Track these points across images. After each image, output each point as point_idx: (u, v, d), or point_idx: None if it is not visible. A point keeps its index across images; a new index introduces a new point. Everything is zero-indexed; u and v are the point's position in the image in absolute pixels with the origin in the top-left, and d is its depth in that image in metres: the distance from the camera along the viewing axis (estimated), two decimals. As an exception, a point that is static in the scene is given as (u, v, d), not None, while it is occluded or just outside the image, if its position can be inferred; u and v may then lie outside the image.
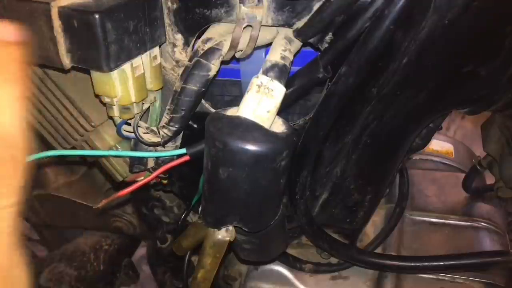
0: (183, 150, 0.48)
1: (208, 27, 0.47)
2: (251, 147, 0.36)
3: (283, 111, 0.43)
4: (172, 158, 0.53)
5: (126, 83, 0.44)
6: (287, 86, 0.41)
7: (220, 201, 0.41)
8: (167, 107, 0.48)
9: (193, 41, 0.48)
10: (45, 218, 0.95)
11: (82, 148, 0.57)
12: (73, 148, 0.58)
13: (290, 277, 0.70)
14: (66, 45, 0.41)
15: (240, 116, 0.38)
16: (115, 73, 0.43)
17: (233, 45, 0.43)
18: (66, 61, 0.41)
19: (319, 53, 0.46)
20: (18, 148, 0.22)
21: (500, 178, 0.73)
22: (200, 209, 0.44)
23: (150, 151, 0.54)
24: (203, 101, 0.54)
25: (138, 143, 0.53)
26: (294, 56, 0.44)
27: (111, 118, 0.49)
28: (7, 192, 0.21)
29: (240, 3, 0.42)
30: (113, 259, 1.02)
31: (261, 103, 0.38)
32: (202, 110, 0.53)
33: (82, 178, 0.92)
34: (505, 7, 0.42)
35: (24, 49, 0.24)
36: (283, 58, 0.41)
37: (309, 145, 0.49)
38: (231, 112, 0.39)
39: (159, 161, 0.56)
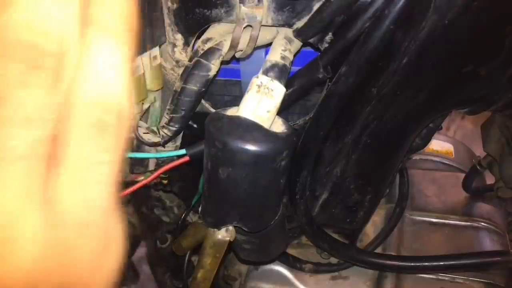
0: (183, 151, 0.48)
1: (208, 27, 0.47)
2: (251, 147, 0.36)
3: (283, 111, 0.43)
4: (172, 159, 0.53)
5: (126, 83, 0.44)
6: (287, 86, 0.41)
7: (220, 201, 0.41)
8: (167, 107, 0.48)
9: (193, 41, 0.48)
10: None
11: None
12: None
13: (290, 277, 0.70)
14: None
15: (240, 116, 0.38)
16: (115, 73, 0.42)
17: (233, 45, 0.43)
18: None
19: (319, 53, 0.46)
20: (125, 116, 0.22)
21: (500, 178, 0.73)
22: (200, 209, 0.44)
23: (149, 152, 0.54)
24: (203, 101, 0.54)
25: (140, 145, 0.53)
26: (294, 56, 0.44)
27: (111, 118, 0.49)
28: (112, 150, 0.21)
29: (240, 3, 0.42)
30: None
31: (261, 103, 0.38)
32: (202, 110, 0.53)
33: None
34: (505, 7, 0.42)
35: (135, 8, 0.23)
36: (283, 58, 0.41)
37: (309, 145, 0.49)
38: (231, 112, 0.39)
39: (159, 161, 0.56)
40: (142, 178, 0.58)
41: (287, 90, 0.41)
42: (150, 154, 0.53)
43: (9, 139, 0.17)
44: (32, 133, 0.17)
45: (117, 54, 0.22)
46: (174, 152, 0.49)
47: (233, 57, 0.46)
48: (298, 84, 0.46)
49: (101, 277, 0.21)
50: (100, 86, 0.21)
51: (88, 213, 0.20)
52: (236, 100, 0.51)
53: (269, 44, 0.45)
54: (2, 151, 0.16)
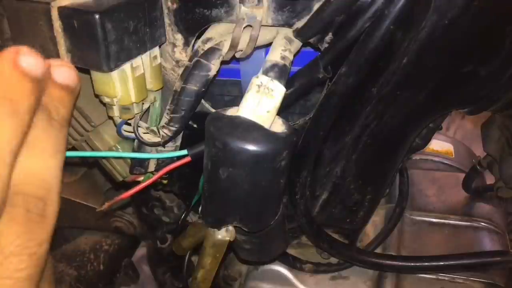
0: (184, 152, 0.48)
1: (208, 27, 0.47)
2: (251, 147, 0.36)
3: (283, 111, 0.43)
4: (172, 159, 0.53)
5: (126, 83, 0.44)
6: (287, 86, 0.41)
7: (220, 201, 0.41)
8: (167, 107, 0.48)
9: (193, 41, 0.48)
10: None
11: (82, 148, 0.57)
12: (73, 148, 0.58)
13: (290, 277, 0.70)
14: (66, 45, 0.41)
15: (240, 116, 0.38)
16: (115, 73, 0.43)
17: (233, 45, 0.43)
18: (66, 61, 0.41)
19: (319, 53, 0.46)
20: (50, 200, 0.23)
21: (500, 178, 0.73)
22: (200, 209, 0.44)
23: (151, 152, 0.54)
24: (203, 101, 0.54)
25: (141, 146, 0.53)
26: (294, 56, 0.44)
27: (111, 118, 0.49)
28: (32, 245, 0.22)
29: (240, 3, 0.42)
30: (113, 259, 1.02)
31: (261, 103, 0.38)
32: (202, 110, 0.53)
33: (82, 178, 0.92)
34: (505, 7, 0.42)
35: (75, 94, 0.25)
36: (283, 58, 0.41)
37: (309, 145, 0.49)
38: (231, 112, 0.39)
39: (159, 161, 0.56)
40: (142, 178, 0.58)
41: (287, 90, 0.41)
42: (151, 155, 0.53)
43: None
44: None
45: (51, 136, 0.23)
46: (176, 152, 0.49)
47: (233, 57, 0.46)
48: (298, 84, 0.46)
49: None
50: (30, 176, 0.22)
51: None
52: (236, 100, 0.51)
53: (269, 44, 0.45)
54: None
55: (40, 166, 0.24)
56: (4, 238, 0.21)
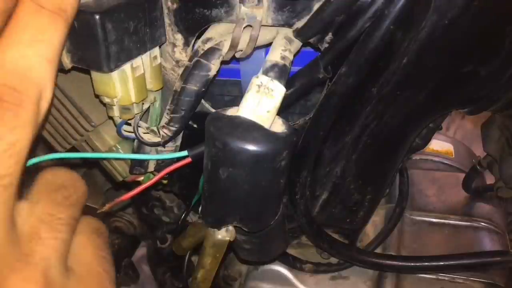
0: (185, 153, 0.48)
1: (208, 27, 0.47)
2: (251, 147, 0.36)
3: (283, 111, 0.43)
4: (173, 160, 0.53)
5: (126, 83, 0.44)
6: (287, 86, 0.41)
7: (220, 201, 0.41)
8: (167, 107, 0.48)
9: (193, 41, 0.48)
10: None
11: (82, 147, 0.57)
12: (73, 148, 0.58)
13: (290, 277, 0.70)
14: (66, 45, 0.41)
15: (240, 116, 0.38)
16: (115, 74, 0.42)
17: (233, 45, 0.43)
18: (66, 61, 0.41)
19: (320, 54, 0.46)
20: (27, 90, 0.22)
21: (500, 178, 0.73)
22: (200, 209, 0.44)
23: (151, 152, 0.54)
24: (203, 101, 0.54)
25: (141, 146, 0.53)
26: (294, 56, 0.44)
27: (111, 118, 0.49)
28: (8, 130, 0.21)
29: (240, 3, 0.42)
30: (113, 259, 1.01)
31: (261, 103, 0.38)
32: (202, 110, 0.53)
33: (82, 178, 0.92)
34: (505, 7, 0.42)
35: None
36: (283, 58, 0.41)
37: (309, 145, 0.49)
38: (231, 112, 0.39)
39: (159, 162, 0.56)
40: (142, 178, 0.58)
41: (287, 90, 0.41)
42: (152, 156, 0.53)
43: None
44: None
45: (46, 31, 0.23)
46: (176, 154, 0.49)
47: (233, 57, 0.46)
48: (298, 84, 0.46)
49: None
50: (19, 60, 0.21)
51: None
52: (236, 100, 0.51)
53: (269, 44, 0.45)
54: None
55: (15, 56, 0.22)
56: None
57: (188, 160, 0.48)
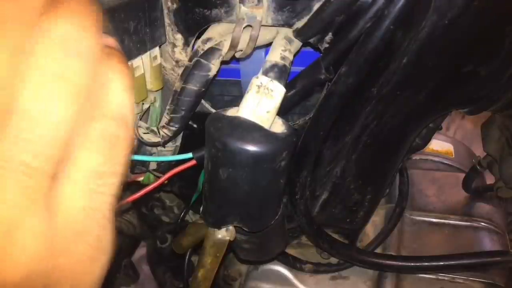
0: (189, 155, 0.48)
1: (208, 27, 0.47)
2: (250, 147, 0.36)
3: (286, 112, 0.43)
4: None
5: (126, 83, 0.44)
6: (289, 88, 0.42)
7: (220, 201, 0.41)
8: (167, 107, 0.48)
9: (193, 41, 0.48)
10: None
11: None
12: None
13: (290, 277, 0.70)
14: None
15: (240, 117, 0.38)
16: (115, 73, 0.42)
17: (233, 45, 0.43)
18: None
19: (321, 55, 0.46)
20: (132, 129, 0.22)
21: (500, 178, 0.73)
22: (201, 209, 0.44)
23: (153, 153, 0.53)
24: (203, 101, 0.54)
25: (141, 146, 0.53)
26: (294, 56, 0.44)
27: (111, 118, 0.49)
28: (119, 162, 0.21)
29: (240, 3, 0.42)
30: (113, 259, 1.01)
31: (261, 103, 0.38)
32: (202, 110, 0.53)
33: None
34: (505, 7, 0.42)
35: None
36: (283, 58, 0.41)
37: (309, 145, 0.49)
38: (231, 112, 0.39)
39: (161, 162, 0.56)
40: (142, 178, 0.58)
41: (289, 92, 0.41)
42: (157, 158, 0.53)
43: (18, 152, 0.17)
44: (42, 148, 0.17)
45: (121, 69, 0.23)
46: (180, 156, 0.49)
47: (233, 57, 0.46)
48: (300, 85, 0.46)
49: (89, 280, 0.23)
50: (114, 100, 0.21)
51: (87, 221, 0.21)
52: (236, 100, 0.51)
53: (269, 44, 0.45)
54: (9, 162, 0.17)
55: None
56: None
57: (193, 162, 0.48)
